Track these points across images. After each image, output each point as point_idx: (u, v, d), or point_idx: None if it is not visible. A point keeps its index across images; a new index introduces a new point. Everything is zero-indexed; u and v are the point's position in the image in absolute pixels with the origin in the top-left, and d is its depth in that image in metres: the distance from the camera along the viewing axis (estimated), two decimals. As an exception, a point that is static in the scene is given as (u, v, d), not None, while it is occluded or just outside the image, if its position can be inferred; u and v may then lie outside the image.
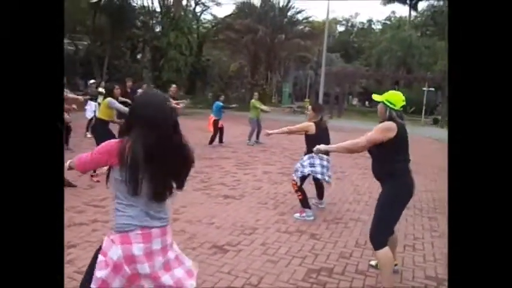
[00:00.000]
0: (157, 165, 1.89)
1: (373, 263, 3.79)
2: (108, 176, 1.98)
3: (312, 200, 5.71)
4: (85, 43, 34.54)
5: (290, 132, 5.62)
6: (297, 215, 5.24)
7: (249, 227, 4.67)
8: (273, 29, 31.35)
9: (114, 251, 1.90)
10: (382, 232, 3.15)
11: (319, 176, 5.26)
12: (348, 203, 6.09)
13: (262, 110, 12.23)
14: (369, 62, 40.80)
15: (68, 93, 7.17)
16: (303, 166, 5.24)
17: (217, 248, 4.01)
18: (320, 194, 5.77)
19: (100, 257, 1.93)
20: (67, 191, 5.60)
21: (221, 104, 11.37)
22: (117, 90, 6.49)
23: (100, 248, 2.00)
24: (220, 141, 11.40)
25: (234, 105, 12.24)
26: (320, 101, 24.32)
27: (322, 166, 5.24)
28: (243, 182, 7.02)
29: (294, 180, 5.31)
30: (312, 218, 5.14)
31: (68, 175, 5.58)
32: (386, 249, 3.08)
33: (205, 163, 8.55)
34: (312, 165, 5.22)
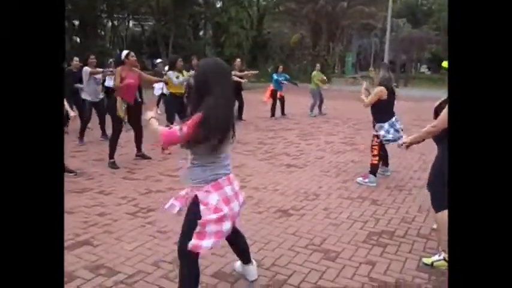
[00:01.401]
0: (228, 125, 2.28)
1: (435, 226, 3.83)
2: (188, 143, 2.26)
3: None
4: (150, 23, 35.90)
5: (368, 104, 5.28)
6: (360, 179, 5.33)
7: (311, 193, 4.87)
8: (334, -3, 30.37)
9: (212, 198, 2.28)
10: (443, 194, 3.18)
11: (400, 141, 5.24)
12: (413, 170, 6.05)
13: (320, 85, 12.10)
14: (438, 26, 38.24)
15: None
16: (387, 132, 5.19)
17: (282, 212, 4.26)
18: (385, 161, 5.76)
19: (201, 207, 2.28)
20: (145, 162, 6.13)
21: (276, 76, 11.43)
22: (179, 63, 6.83)
23: (193, 203, 2.32)
24: (283, 113, 11.56)
25: (293, 82, 12.06)
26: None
27: (402, 129, 5.26)
28: (306, 152, 7.19)
29: (375, 145, 5.27)
30: (374, 184, 5.21)
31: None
32: (445, 212, 3.13)
33: (268, 134, 8.81)
34: (396, 131, 5.20)
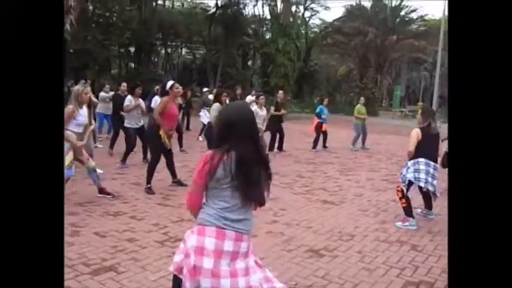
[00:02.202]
0: (247, 173, 2.07)
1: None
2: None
3: (418, 209, 5.44)
4: (201, 52, 37.24)
5: (411, 151, 5.12)
6: (399, 223, 5.05)
7: (346, 234, 4.65)
8: (383, 30, 30.22)
9: (190, 240, 2.08)
10: None
11: (421, 184, 5.01)
12: (459, 215, 5.66)
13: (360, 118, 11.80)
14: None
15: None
16: (407, 171, 5.05)
17: (313, 252, 4.07)
18: (428, 203, 5.46)
19: (181, 244, 2.16)
20: (181, 189, 6.16)
21: (321, 109, 11.31)
22: (224, 97, 6.91)
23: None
24: (324, 145, 11.38)
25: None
26: (434, 104, 22.77)
27: (427, 173, 4.97)
28: (345, 188, 6.96)
29: (398, 186, 5.13)
30: (415, 227, 4.92)
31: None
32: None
33: (308, 167, 8.65)
34: (416, 171, 4.99)
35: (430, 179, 4.95)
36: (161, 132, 5.89)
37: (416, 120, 5.52)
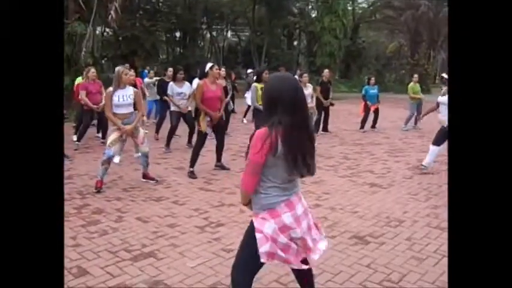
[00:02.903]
0: (299, 144, 2.04)
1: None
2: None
3: None
4: (246, 34, 37.01)
5: None
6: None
7: (395, 219, 4.39)
8: (436, 2, 28.45)
9: (268, 226, 2.08)
10: None
11: None
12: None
13: (415, 98, 11.15)
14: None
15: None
16: None
17: (358, 238, 3.87)
18: None
19: (258, 235, 2.09)
20: (223, 173, 6.12)
21: (368, 88, 10.81)
22: (265, 75, 6.72)
23: (250, 230, 2.15)
24: (373, 125, 10.92)
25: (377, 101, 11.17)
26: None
27: None
28: (393, 170, 6.62)
29: None
30: None
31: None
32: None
33: (354, 149, 8.34)
34: None
35: None
36: (200, 118, 5.84)
37: None
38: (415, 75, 11.96)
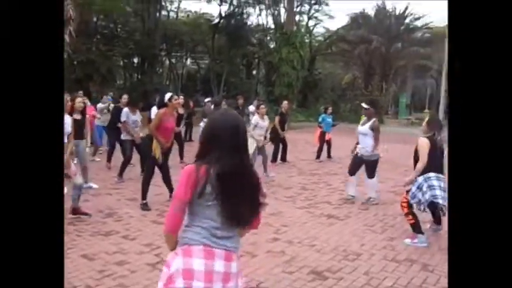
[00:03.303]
0: (231, 189, 1.85)
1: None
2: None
3: (427, 224, 5.14)
4: (206, 62, 37.22)
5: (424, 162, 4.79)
6: (408, 240, 4.75)
7: (352, 252, 4.35)
8: (388, 38, 30.01)
9: (176, 262, 1.85)
10: None
11: (440, 201, 4.65)
12: (471, 230, 5.35)
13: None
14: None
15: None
16: (421, 191, 4.64)
17: (316, 274, 3.78)
18: (437, 218, 5.15)
19: (164, 269, 1.91)
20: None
21: (325, 117, 11.03)
22: (223, 106, 6.68)
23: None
24: (329, 155, 11.08)
25: (335, 123, 11.52)
26: (441, 112, 22.47)
27: (441, 188, 4.64)
28: (350, 201, 6.66)
29: (404, 202, 4.81)
30: (425, 244, 4.61)
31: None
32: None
33: (312, 179, 8.36)
34: (431, 188, 4.62)
35: (444, 194, 4.63)
36: (154, 146, 5.66)
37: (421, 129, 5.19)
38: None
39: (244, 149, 1.94)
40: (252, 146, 7.75)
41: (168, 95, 5.88)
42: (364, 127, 6.69)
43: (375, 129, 6.67)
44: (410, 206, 4.74)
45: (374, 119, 6.83)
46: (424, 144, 4.74)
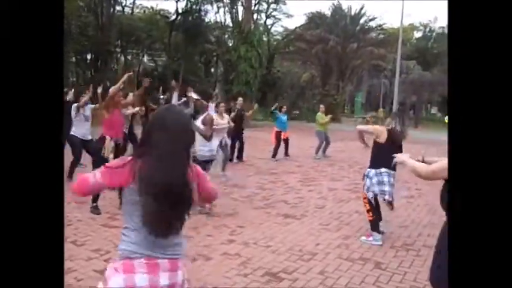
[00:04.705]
0: (164, 196, 1.68)
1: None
2: (120, 196, 1.81)
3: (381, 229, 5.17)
4: (163, 59, 36.52)
5: (360, 132, 5.22)
6: (364, 238, 4.82)
7: (307, 252, 4.36)
8: (344, 38, 30.70)
9: (115, 280, 1.70)
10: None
11: (387, 197, 4.80)
12: (422, 226, 5.51)
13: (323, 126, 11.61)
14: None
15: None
16: (371, 183, 4.78)
17: (271, 275, 3.74)
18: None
19: (100, 285, 1.77)
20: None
21: (280, 116, 11.01)
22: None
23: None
24: (286, 154, 11.14)
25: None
26: (394, 110, 23.18)
27: (391, 184, 4.77)
28: (306, 199, 6.70)
29: (365, 198, 4.88)
30: (380, 242, 4.70)
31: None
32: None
33: (269, 178, 8.36)
34: (380, 183, 4.75)
35: (392, 190, 4.77)
36: (106, 142, 5.45)
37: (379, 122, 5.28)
38: (321, 106, 12.55)
39: (187, 156, 1.79)
40: (215, 143, 7.62)
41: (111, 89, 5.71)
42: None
43: (206, 124, 5.63)
44: (370, 202, 4.81)
45: (207, 112, 6.06)
46: (377, 127, 4.85)
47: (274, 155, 10.83)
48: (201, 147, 5.66)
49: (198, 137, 5.36)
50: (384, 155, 4.78)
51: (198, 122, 5.64)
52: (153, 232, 1.69)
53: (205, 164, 5.52)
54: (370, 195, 4.78)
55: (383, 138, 4.77)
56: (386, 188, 4.74)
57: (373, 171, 4.80)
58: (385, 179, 4.75)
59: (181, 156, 1.76)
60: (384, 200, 4.90)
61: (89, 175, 1.76)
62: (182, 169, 1.74)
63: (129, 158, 1.77)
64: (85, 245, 4.24)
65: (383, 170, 4.75)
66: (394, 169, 4.78)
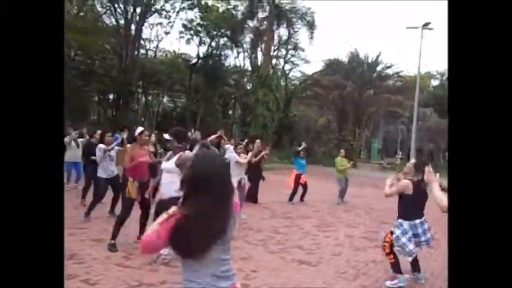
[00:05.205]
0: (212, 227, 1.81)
1: None
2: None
3: (405, 275, 4.94)
4: (182, 101, 37.37)
5: (390, 195, 4.92)
6: (388, 282, 4.68)
7: (323, 301, 4.23)
8: (361, 85, 31.05)
9: None
10: None
11: (424, 247, 4.80)
12: (442, 279, 5.31)
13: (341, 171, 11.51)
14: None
15: None
16: (405, 236, 4.61)
17: (286, 324, 3.63)
18: (416, 265, 4.97)
19: None
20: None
21: (298, 159, 10.99)
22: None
23: None
24: (302, 199, 11.01)
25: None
26: (412, 158, 22.99)
27: (424, 233, 4.68)
28: (322, 246, 6.56)
29: (386, 242, 4.77)
30: (406, 283, 4.58)
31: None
32: None
33: (284, 222, 8.26)
34: (416, 236, 4.65)
35: (429, 235, 4.71)
36: (128, 185, 5.51)
37: (397, 168, 5.18)
38: (341, 150, 12.44)
39: (227, 193, 1.91)
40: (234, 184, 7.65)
41: (139, 129, 5.83)
42: (168, 163, 5.32)
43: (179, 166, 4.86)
44: (391, 247, 4.71)
45: (181, 153, 5.23)
46: (404, 183, 4.76)
47: (291, 198, 10.72)
48: (167, 189, 5.06)
49: (167, 178, 5.08)
50: (414, 205, 4.74)
51: (170, 163, 5.20)
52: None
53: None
54: (411, 246, 4.59)
55: (410, 190, 4.72)
56: (423, 239, 4.69)
57: (406, 223, 4.69)
58: (420, 230, 4.66)
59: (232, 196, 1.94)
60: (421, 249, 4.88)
61: (151, 236, 1.79)
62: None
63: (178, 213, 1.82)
64: (98, 284, 4.21)
65: (417, 221, 4.67)
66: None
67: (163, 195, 5.13)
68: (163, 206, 4.41)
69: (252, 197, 9.99)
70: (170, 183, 4.92)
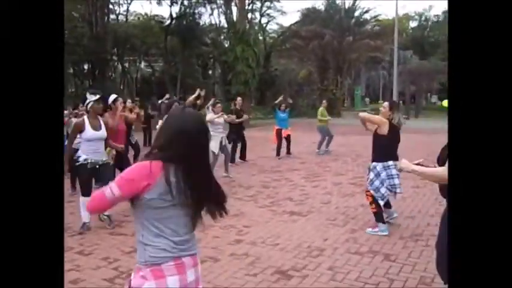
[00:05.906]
0: (192, 190, 1.74)
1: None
2: (133, 204, 1.77)
3: (384, 214, 5.16)
4: (160, 64, 36.56)
5: (363, 120, 5.11)
6: (370, 229, 4.81)
7: (315, 248, 4.34)
8: (339, 32, 30.60)
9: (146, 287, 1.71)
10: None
11: (398, 190, 4.80)
12: (429, 215, 5.48)
13: (323, 121, 11.53)
14: (446, 56, 38.11)
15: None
16: (378, 179, 4.72)
17: (281, 273, 3.73)
18: (386, 203, 4.99)
19: None
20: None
21: (279, 113, 10.89)
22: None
23: None
24: (288, 152, 11.08)
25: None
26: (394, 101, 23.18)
27: (399, 177, 4.76)
28: (311, 195, 6.68)
29: (368, 191, 4.86)
30: (386, 232, 4.68)
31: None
32: None
33: (273, 176, 8.34)
34: (390, 177, 4.73)
35: (400, 181, 4.77)
36: (107, 151, 5.44)
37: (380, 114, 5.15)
38: (324, 101, 12.47)
39: (207, 151, 1.90)
40: (216, 144, 7.61)
41: (111, 97, 5.70)
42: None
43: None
44: (373, 196, 4.79)
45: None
46: (383, 119, 4.79)
47: (278, 153, 10.76)
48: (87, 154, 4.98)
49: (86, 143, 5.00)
50: (388, 147, 4.79)
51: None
52: (188, 232, 1.81)
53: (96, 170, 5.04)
54: (383, 190, 4.71)
55: (385, 130, 4.75)
56: (397, 181, 4.73)
57: (380, 165, 4.76)
58: (394, 171, 4.73)
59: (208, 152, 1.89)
60: (395, 193, 4.89)
61: (105, 191, 1.72)
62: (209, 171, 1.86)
63: (149, 162, 1.71)
64: (93, 254, 4.24)
65: (390, 163, 4.73)
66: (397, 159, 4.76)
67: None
68: None
69: (240, 156, 10.01)
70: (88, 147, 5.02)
